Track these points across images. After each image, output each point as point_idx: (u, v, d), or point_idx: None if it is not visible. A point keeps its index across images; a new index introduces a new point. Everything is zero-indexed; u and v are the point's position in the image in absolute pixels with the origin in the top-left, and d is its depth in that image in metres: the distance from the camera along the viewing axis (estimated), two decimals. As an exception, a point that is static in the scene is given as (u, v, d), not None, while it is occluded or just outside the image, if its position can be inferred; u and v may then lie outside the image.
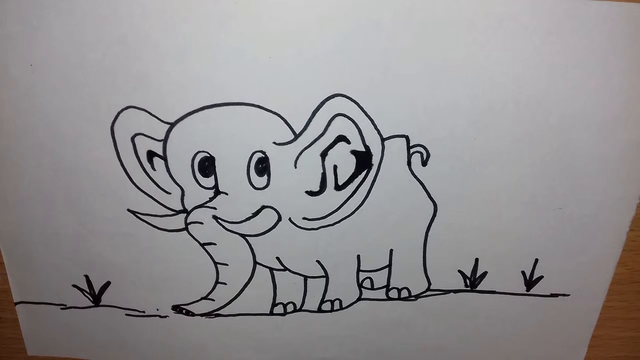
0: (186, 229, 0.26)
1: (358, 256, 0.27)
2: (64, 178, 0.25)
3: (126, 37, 0.22)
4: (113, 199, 0.25)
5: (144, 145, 0.24)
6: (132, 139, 0.24)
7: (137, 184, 0.25)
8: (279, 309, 0.28)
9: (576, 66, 0.23)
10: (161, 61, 0.22)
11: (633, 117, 0.23)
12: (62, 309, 0.28)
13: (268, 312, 0.28)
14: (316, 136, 0.24)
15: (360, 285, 0.28)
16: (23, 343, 0.30)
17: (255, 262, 0.27)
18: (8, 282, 0.28)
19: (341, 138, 0.24)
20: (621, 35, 0.22)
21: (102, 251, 0.26)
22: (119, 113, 0.23)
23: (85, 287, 0.28)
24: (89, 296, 0.28)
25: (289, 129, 0.24)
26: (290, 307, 0.28)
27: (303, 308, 0.28)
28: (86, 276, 0.27)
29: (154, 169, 0.24)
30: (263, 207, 0.25)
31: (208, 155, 0.24)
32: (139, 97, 0.23)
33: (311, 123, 0.24)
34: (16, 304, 0.28)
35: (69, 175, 0.25)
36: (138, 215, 0.25)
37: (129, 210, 0.25)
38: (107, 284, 0.28)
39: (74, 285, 0.28)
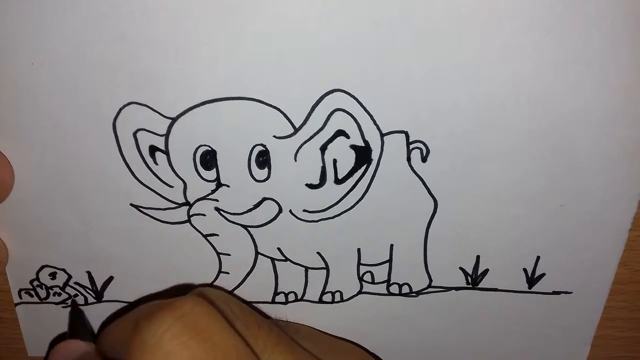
0: (189, 221, 0.26)
1: (358, 249, 0.27)
2: (66, 176, 0.25)
3: (127, 34, 0.22)
4: (116, 194, 0.25)
5: (146, 141, 0.24)
6: (134, 134, 0.24)
7: (140, 179, 0.25)
8: (280, 298, 0.29)
9: (576, 62, 0.22)
10: (162, 57, 0.22)
11: (634, 113, 0.23)
12: (63, 307, 0.29)
13: (270, 301, 0.29)
14: (316, 130, 0.24)
15: (360, 279, 0.28)
16: (23, 343, 0.30)
17: (257, 252, 0.27)
18: (8, 282, 0.28)
19: (340, 132, 0.24)
20: (621, 31, 0.22)
21: (105, 246, 0.27)
22: (120, 109, 0.23)
23: (87, 283, 0.28)
24: (92, 292, 0.28)
25: (288, 123, 0.24)
26: (291, 297, 0.29)
27: (304, 298, 0.29)
28: (88, 272, 0.28)
29: (156, 163, 0.25)
30: (264, 199, 0.26)
31: (209, 148, 0.24)
32: (140, 93, 0.23)
33: (310, 117, 0.24)
34: (16, 304, 0.28)
35: (71, 173, 0.25)
36: (141, 209, 0.26)
37: (131, 204, 0.25)
38: (110, 278, 0.28)
39: (76, 282, 0.28)
